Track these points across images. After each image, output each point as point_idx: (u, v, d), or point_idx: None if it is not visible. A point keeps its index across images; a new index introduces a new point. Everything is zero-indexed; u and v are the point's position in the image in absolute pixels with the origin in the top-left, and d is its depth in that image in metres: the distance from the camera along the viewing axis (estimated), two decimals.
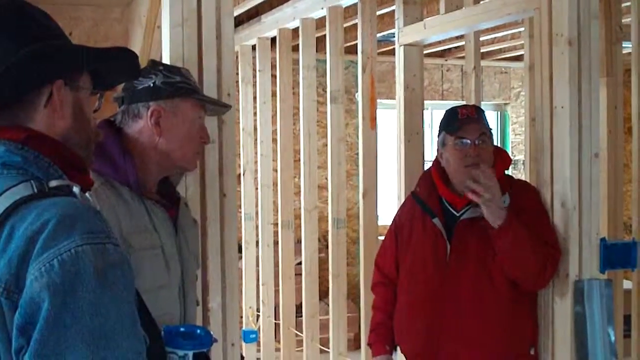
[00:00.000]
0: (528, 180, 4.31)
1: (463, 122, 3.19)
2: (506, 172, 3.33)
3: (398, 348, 3.44)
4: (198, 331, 2.00)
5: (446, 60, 9.30)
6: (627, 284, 5.03)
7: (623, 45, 4.79)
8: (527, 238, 3.03)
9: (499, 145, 10.01)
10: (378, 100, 5.15)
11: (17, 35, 1.51)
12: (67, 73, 1.55)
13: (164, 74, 2.38)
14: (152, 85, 2.35)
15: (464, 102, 4.90)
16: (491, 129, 3.28)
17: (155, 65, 2.44)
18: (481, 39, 6.41)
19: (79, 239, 1.33)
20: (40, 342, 1.28)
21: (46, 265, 1.31)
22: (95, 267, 1.33)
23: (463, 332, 3.14)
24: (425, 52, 6.30)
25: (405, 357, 3.44)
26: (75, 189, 1.47)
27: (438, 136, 3.33)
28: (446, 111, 3.34)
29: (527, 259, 3.04)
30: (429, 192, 3.33)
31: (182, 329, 1.98)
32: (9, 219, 1.38)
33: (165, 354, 1.81)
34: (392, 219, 3.56)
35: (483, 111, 3.36)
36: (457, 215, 3.21)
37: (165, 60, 2.74)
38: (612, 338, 3.08)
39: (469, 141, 3.17)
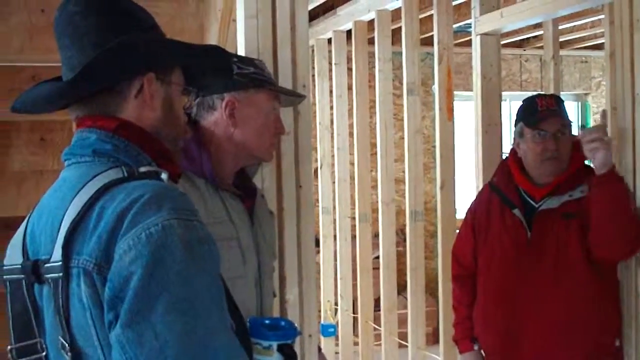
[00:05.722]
0: None
1: (542, 114, 3.13)
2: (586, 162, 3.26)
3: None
4: (282, 323, 2.02)
5: (524, 50, 9.18)
6: None
7: None
8: (626, 195, 2.96)
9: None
10: (455, 92, 5.09)
11: (114, 25, 1.56)
12: (159, 67, 1.59)
13: (238, 65, 2.38)
14: None
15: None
16: (571, 121, 3.22)
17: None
18: (560, 27, 6.30)
19: (167, 214, 1.36)
20: (130, 312, 1.31)
21: (134, 239, 1.34)
22: (182, 239, 1.35)
23: (545, 324, 3.08)
24: (503, 42, 6.22)
25: (485, 351, 3.38)
26: (163, 175, 1.51)
27: (515, 126, 3.27)
28: (524, 101, 3.28)
29: (622, 214, 2.95)
30: (506, 182, 3.29)
31: (267, 321, 1.99)
32: (99, 199, 1.42)
33: (249, 340, 1.82)
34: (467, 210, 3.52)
35: (562, 101, 3.29)
36: (536, 205, 3.16)
37: (241, 52, 2.74)
38: None
39: (548, 134, 3.11)
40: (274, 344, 1.90)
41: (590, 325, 3.08)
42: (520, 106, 3.27)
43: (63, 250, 1.41)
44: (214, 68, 1.80)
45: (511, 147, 3.35)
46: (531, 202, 3.19)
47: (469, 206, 3.52)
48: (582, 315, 3.07)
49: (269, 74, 2.49)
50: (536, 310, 3.10)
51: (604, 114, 2.94)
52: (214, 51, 1.75)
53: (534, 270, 3.11)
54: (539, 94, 3.37)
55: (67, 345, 1.42)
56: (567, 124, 3.18)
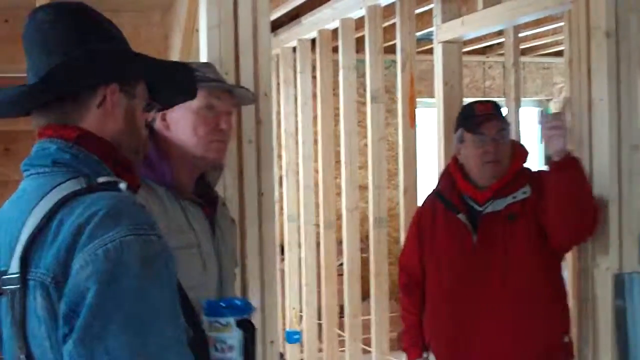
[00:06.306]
0: None
1: (481, 118, 3.19)
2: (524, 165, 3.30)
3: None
4: (237, 302, 2.03)
5: (487, 57, 9.25)
6: None
7: None
8: (584, 178, 3.00)
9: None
10: (419, 99, 5.14)
11: (82, 35, 1.57)
12: (122, 78, 1.60)
13: None
14: None
15: (504, 99, 4.88)
16: (509, 124, 3.28)
17: None
18: (522, 34, 6.36)
19: (124, 230, 1.37)
20: (84, 328, 1.32)
21: (91, 254, 1.35)
22: (139, 256, 1.36)
23: (494, 326, 3.13)
24: (466, 49, 6.26)
25: (436, 358, 3.41)
26: (122, 185, 1.52)
27: (455, 132, 3.32)
28: (463, 107, 3.35)
29: (582, 196, 2.99)
30: (450, 189, 3.34)
31: (222, 303, 2.01)
32: (58, 212, 1.43)
33: (207, 350, 1.84)
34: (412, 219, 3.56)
35: (500, 106, 3.35)
36: (480, 209, 3.21)
37: (204, 61, 2.75)
38: None
39: (488, 137, 3.16)
40: (232, 320, 1.92)
41: (540, 324, 3.13)
42: (460, 112, 3.34)
43: (21, 262, 1.42)
44: (177, 87, 1.81)
45: (452, 154, 3.40)
46: (475, 206, 3.24)
47: (413, 216, 3.55)
48: (531, 316, 3.12)
49: (208, 74, 2.44)
50: (485, 313, 3.15)
51: (565, 101, 2.97)
52: (176, 67, 1.77)
53: (482, 274, 3.16)
54: (477, 101, 3.43)
55: (23, 356, 1.43)
56: (506, 128, 3.24)
